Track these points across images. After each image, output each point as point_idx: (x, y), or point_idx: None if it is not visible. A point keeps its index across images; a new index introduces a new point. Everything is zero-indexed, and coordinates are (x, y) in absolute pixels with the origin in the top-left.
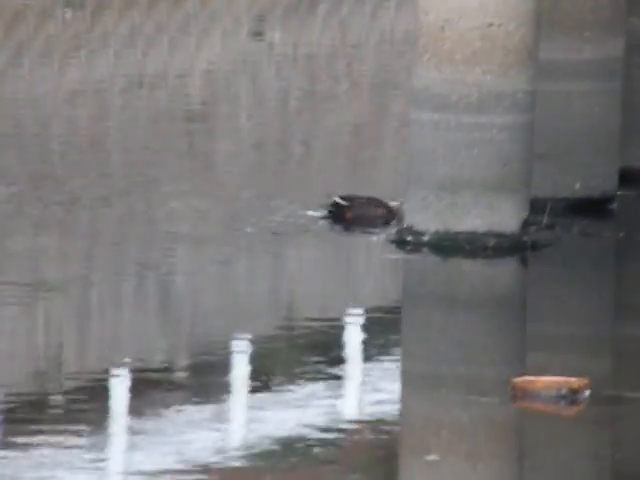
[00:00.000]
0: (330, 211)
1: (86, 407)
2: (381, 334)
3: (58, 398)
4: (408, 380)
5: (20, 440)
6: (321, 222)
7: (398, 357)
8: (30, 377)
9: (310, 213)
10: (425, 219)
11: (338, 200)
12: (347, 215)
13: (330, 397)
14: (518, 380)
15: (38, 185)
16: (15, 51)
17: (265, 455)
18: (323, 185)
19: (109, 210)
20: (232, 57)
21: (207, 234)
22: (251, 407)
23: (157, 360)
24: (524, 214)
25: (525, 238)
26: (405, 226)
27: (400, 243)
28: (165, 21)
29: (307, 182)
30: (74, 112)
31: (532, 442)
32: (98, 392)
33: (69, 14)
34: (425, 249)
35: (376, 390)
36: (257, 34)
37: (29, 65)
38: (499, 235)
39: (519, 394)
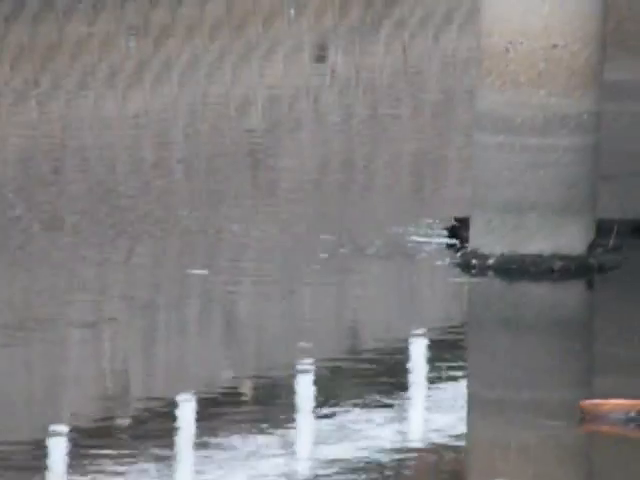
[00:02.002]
0: (450, 232)
1: (153, 433)
2: (447, 358)
3: (125, 424)
4: (475, 404)
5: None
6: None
7: (465, 381)
8: (99, 403)
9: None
10: (490, 242)
11: (454, 222)
12: (464, 235)
13: (397, 421)
14: (586, 403)
15: (104, 209)
16: (80, 78)
17: None
18: (386, 211)
19: (174, 236)
20: (294, 82)
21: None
22: (317, 432)
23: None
24: (590, 236)
25: (591, 260)
26: (470, 249)
27: (465, 267)
28: (228, 47)
29: (370, 209)
30: (138, 139)
31: (601, 465)
32: (165, 419)
33: (133, 42)
34: (490, 272)
35: (443, 414)
36: (319, 58)
37: (94, 92)
38: (565, 258)
39: (587, 417)
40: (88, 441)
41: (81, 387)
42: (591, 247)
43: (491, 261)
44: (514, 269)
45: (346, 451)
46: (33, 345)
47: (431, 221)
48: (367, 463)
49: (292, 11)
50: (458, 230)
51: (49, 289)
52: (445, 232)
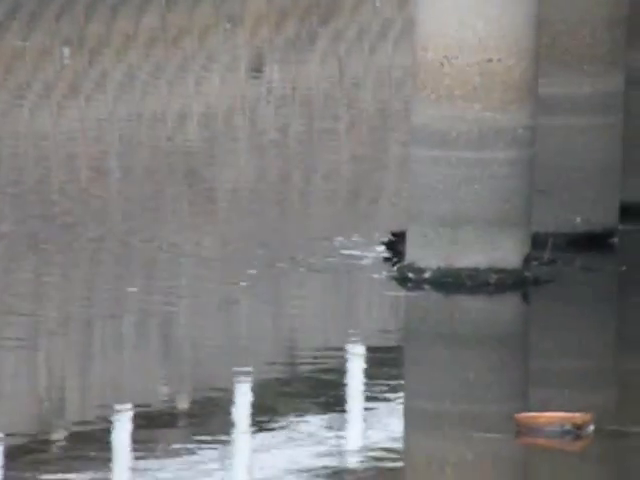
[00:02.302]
0: (387, 246)
1: (88, 450)
2: (383, 372)
3: (61, 441)
4: (411, 417)
5: None
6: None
7: (401, 394)
8: (33, 420)
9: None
10: (426, 256)
11: (391, 237)
12: (401, 249)
13: (333, 435)
14: (522, 416)
15: (34, 225)
16: (15, 91)
17: None
18: (323, 225)
19: (108, 249)
20: (230, 96)
21: (213, 272)
22: (254, 445)
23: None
24: (526, 250)
25: (527, 274)
26: (407, 263)
27: (402, 280)
28: (163, 60)
29: (304, 221)
30: (72, 154)
31: (536, 478)
32: (100, 435)
33: (67, 55)
34: (427, 286)
35: (379, 428)
36: (255, 72)
37: (28, 105)
38: (501, 271)
39: (523, 430)
40: (23, 458)
41: (16, 403)
42: (526, 260)
43: (427, 274)
44: (450, 282)
45: (281, 465)
46: None
47: (368, 234)
48: (302, 477)
49: (228, 25)
50: (395, 244)
51: None
52: (382, 246)
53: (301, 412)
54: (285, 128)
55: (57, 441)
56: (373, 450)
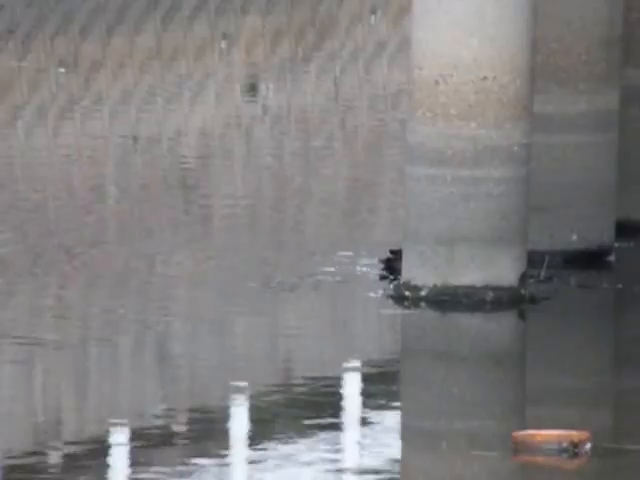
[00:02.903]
0: (385, 264)
1: (85, 467)
2: (379, 390)
3: (56, 461)
4: (408, 436)
5: None
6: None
7: (397, 413)
8: (28, 440)
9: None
10: (423, 274)
11: (389, 255)
12: (399, 267)
13: (329, 453)
14: (519, 434)
15: (29, 248)
16: (10, 111)
17: None
18: (318, 243)
19: (104, 268)
20: (225, 116)
21: (207, 293)
22: (251, 465)
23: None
24: (522, 267)
25: (523, 291)
26: (403, 281)
27: (398, 298)
28: (158, 80)
29: (303, 240)
30: (67, 173)
31: None
32: (97, 452)
33: (62, 76)
34: (423, 304)
35: (376, 446)
36: (250, 92)
37: (24, 126)
38: (497, 289)
39: (520, 448)
40: (18, 476)
41: (12, 422)
42: (523, 278)
43: (424, 293)
44: (447, 300)
45: None
46: None
47: (364, 253)
48: None
49: (223, 43)
50: (393, 262)
51: None
52: (379, 264)
53: (297, 432)
54: (280, 147)
55: (53, 461)
56: (370, 469)
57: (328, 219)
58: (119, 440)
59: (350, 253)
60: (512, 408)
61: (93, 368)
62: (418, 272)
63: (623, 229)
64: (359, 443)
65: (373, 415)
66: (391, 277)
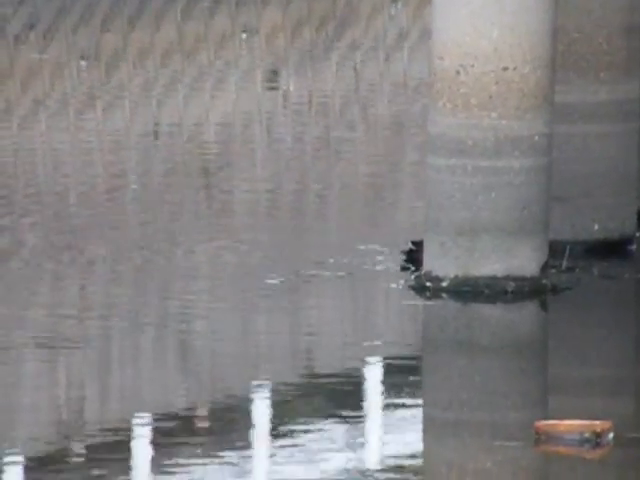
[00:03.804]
0: (407, 255)
1: (107, 460)
2: (402, 381)
3: (79, 452)
4: (430, 426)
5: None
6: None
7: (420, 403)
8: (52, 431)
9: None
10: (444, 264)
11: (411, 246)
12: (421, 258)
13: (352, 445)
14: (541, 424)
15: (53, 239)
16: (32, 104)
17: None
18: (340, 234)
19: (126, 259)
20: (247, 107)
21: (231, 283)
22: (274, 458)
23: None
24: (543, 257)
25: (545, 281)
26: (424, 272)
27: (419, 289)
28: (179, 72)
29: (322, 231)
30: (90, 165)
31: None
32: (119, 445)
33: (84, 68)
34: (444, 295)
35: (399, 437)
36: (271, 83)
37: (46, 118)
38: (519, 279)
39: (542, 438)
40: (42, 468)
41: (35, 413)
42: (544, 268)
43: (445, 283)
44: (468, 291)
45: (300, 476)
46: None
47: (385, 244)
48: None
49: (244, 35)
50: (415, 253)
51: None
52: (402, 255)
53: (320, 423)
54: (301, 137)
55: (76, 452)
56: (393, 459)
57: (349, 209)
58: (141, 433)
59: (371, 244)
60: (534, 398)
61: (114, 362)
62: (439, 263)
63: None
64: (381, 434)
65: (395, 406)
66: (412, 268)
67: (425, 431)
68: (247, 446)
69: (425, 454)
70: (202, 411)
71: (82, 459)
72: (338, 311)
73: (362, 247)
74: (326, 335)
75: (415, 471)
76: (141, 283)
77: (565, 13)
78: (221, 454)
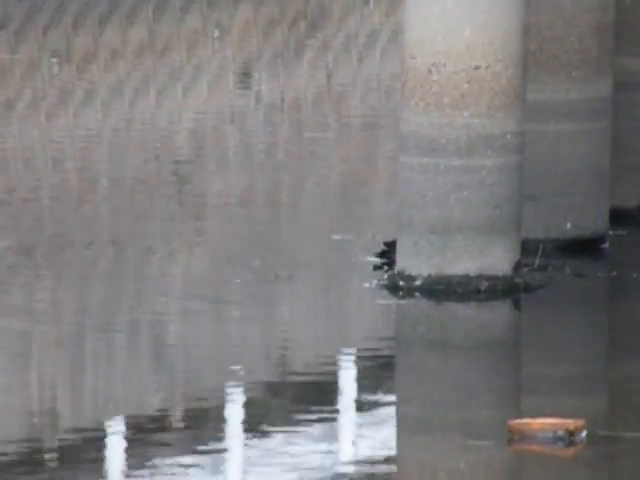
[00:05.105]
0: (380, 256)
1: (80, 462)
2: (376, 379)
3: (53, 453)
4: (403, 425)
5: None
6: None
7: (393, 402)
8: (24, 433)
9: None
10: (417, 263)
11: (384, 247)
12: (394, 258)
13: (325, 444)
14: (514, 423)
15: (26, 237)
16: (3, 104)
17: None
18: (313, 233)
19: (98, 261)
20: (219, 106)
21: (203, 287)
22: (248, 456)
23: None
24: (516, 256)
25: (518, 280)
26: (397, 271)
27: (392, 288)
28: (151, 71)
29: (298, 230)
30: (62, 165)
31: None
32: (93, 446)
33: (56, 68)
34: (417, 294)
35: (371, 436)
36: (243, 83)
37: (17, 118)
38: (491, 278)
39: (515, 437)
40: (13, 470)
41: (7, 413)
42: (517, 267)
43: (418, 282)
44: (441, 290)
45: (274, 476)
46: None
47: (357, 243)
48: None
49: (216, 32)
50: (388, 254)
51: None
52: (374, 257)
53: (292, 423)
54: (274, 137)
55: (49, 453)
56: (365, 458)
57: (322, 210)
58: (115, 431)
59: (344, 243)
60: (507, 397)
61: (89, 361)
62: (412, 262)
63: (617, 217)
64: (354, 433)
65: (368, 405)
66: (384, 267)
67: (398, 430)
68: (221, 447)
69: (398, 453)
70: (176, 412)
71: (54, 461)
72: (311, 311)
73: (335, 247)
74: (300, 336)
75: (388, 470)
76: (113, 283)
77: (537, 12)
78: (195, 455)
